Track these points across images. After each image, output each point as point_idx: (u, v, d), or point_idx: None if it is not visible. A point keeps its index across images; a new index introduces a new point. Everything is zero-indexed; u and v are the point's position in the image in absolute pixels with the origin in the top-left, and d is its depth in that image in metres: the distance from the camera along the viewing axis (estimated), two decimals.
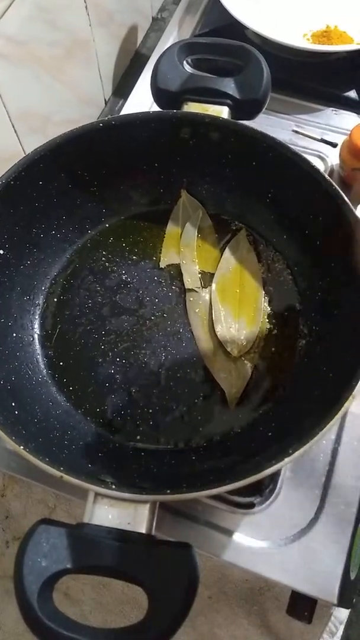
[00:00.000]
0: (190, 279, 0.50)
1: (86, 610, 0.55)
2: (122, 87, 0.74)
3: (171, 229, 0.52)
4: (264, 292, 0.49)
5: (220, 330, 0.47)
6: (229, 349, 0.46)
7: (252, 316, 0.47)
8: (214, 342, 0.47)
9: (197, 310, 0.48)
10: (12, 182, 0.43)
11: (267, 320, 0.48)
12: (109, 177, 0.50)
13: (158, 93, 0.49)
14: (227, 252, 0.51)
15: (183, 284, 0.50)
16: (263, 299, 0.49)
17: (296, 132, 0.63)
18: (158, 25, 0.80)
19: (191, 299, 0.49)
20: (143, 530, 0.33)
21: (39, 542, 0.31)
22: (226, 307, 0.48)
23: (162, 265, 0.51)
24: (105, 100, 0.72)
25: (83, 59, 0.63)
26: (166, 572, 0.30)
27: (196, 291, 0.49)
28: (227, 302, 0.48)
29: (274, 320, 0.48)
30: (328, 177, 0.43)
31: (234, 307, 0.48)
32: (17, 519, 0.57)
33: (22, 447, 0.34)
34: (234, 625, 0.52)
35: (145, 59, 0.72)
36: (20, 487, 0.58)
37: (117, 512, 0.33)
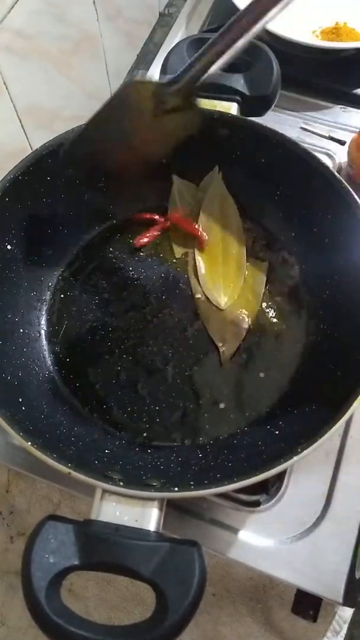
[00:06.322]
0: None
1: (90, 606, 0.55)
2: None
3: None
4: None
5: (208, 286, 0.49)
6: (215, 303, 0.48)
7: (235, 268, 0.50)
8: (208, 300, 0.49)
9: (193, 275, 0.51)
10: (20, 177, 0.43)
11: (275, 317, 0.48)
12: (117, 173, 0.50)
13: None
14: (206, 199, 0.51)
15: (189, 283, 0.50)
16: (245, 250, 0.50)
17: (304, 129, 0.62)
18: (165, 20, 0.80)
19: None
20: (151, 528, 0.32)
21: (47, 538, 0.31)
22: (211, 267, 0.50)
23: (177, 255, 0.51)
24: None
25: (90, 54, 0.62)
26: (174, 570, 0.30)
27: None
28: (211, 261, 0.51)
29: (281, 318, 0.48)
30: (338, 175, 0.43)
31: (218, 265, 0.50)
32: (21, 514, 0.57)
33: (29, 443, 0.34)
34: (237, 623, 0.52)
35: (152, 54, 0.72)
36: (24, 482, 0.58)
37: (124, 509, 0.33)
